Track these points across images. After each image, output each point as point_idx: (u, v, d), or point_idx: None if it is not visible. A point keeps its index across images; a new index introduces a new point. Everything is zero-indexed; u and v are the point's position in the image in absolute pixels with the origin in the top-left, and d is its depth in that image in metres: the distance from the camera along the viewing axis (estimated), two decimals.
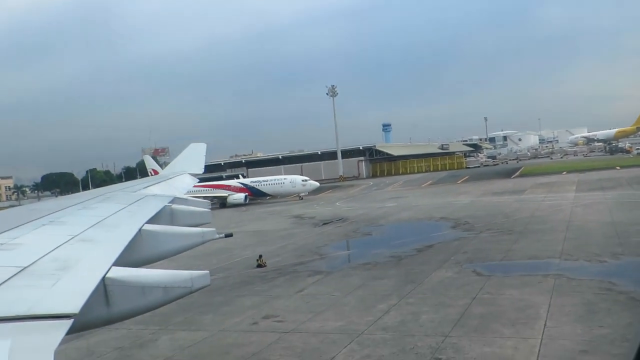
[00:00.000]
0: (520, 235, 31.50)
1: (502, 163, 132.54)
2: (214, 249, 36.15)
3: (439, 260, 26.47)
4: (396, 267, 25.95)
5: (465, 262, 25.54)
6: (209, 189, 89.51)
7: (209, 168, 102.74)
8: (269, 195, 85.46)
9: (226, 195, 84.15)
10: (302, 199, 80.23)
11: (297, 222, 51.79)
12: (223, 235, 9.52)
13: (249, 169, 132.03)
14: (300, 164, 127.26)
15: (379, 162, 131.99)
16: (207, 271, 6.25)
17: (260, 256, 30.36)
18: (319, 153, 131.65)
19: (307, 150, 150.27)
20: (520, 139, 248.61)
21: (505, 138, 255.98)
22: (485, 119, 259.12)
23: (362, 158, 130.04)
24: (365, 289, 22.33)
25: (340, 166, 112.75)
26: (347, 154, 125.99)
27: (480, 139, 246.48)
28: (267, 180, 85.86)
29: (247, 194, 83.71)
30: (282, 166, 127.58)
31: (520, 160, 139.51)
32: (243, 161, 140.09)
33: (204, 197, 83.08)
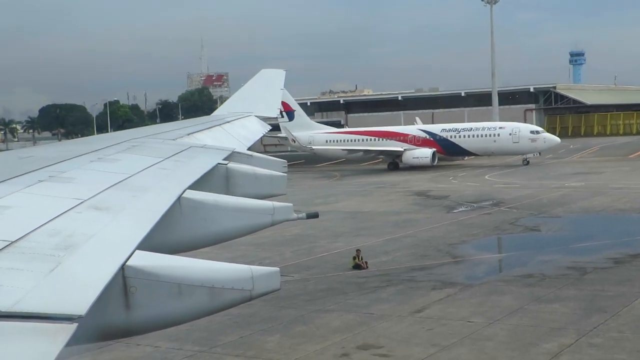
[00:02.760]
0: None
1: None
2: (289, 235, 36.84)
3: None
4: (576, 286, 25.46)
5: None
6: (370, 138, 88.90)
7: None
8: (469, 153, 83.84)
9: (401, 150, 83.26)
10: (528, 163, 78.00)
11: (419, 203, 51.65)
12: (304, 215, 9.64)
13: (349, 115, 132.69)
14: (431, 110, 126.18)
15: (561, 114, 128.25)
16: (277, 268, 6.37)
17: (358, 252, 30.64)
18: (462, 95, 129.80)
19: (443, 89, 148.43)
20: None
21: None
22: None
23: (532, 106, 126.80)
24: (524, 316, 22.11)
25: (497, 117, 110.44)
26: (509, 98, 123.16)
27: None
28: (468, 130, 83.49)
29: (434, 149, 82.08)
30: (401, 112, 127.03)
31: None
32: (341, 101, 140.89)
33: (364, 151, 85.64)
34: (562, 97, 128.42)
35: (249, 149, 13.45)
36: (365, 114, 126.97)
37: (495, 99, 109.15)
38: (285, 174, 11.46)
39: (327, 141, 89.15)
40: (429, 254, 32.55)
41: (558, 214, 43.18)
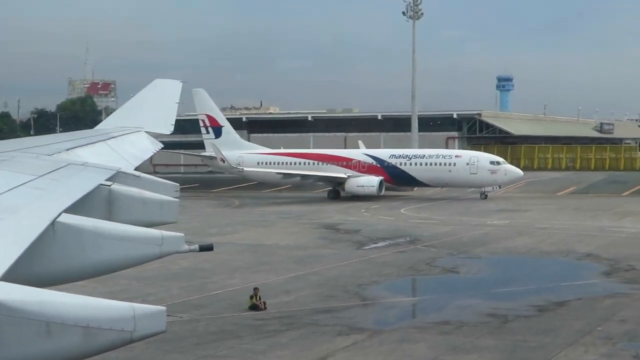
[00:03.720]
0: None
1: None
2: (178, 269, 36.41)
3: (574, 329, 26.29)
4: (496, 335, 25.84)
5: (621, 338, 25.30)
6: (308, 161, 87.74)
7: (180, 126, 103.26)
8: (421, 183, 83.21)
9: (344, 176, 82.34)
10: (486, 197, 78.30)
11: (326, 237, 51.83)
12: (196, 247, 9.60)
13: (252, 134, 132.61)
14: (344, 134, 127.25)
15: (486, 143, 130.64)
16: (163, 307, 6.32)
17: (256, 290, 30.52)
18: (379, 118, 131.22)
19: (358, 110, 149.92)
20: None
21: None
22: None
23: (455, 134, 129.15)
24: None
25: (416, 144, 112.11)
26: (430, 124, 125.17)
27: None
28: (420, 157, 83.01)
29: (382, 177, 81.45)
30: (310, 134, 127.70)
31: None
32: (244, 119, 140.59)
33: (302, 176, 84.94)
34: (488, 125, 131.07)
35: (136, 169, 13.34)
36: (270, 135, 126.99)
37: (414, 124, 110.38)
38: (177, 199, 11.42)
39: (258, 163, 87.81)
40: (336, 294, 32.60)
41: (479, 254, 43.89)
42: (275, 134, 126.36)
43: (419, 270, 38.96)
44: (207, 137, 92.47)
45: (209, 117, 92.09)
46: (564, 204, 74.12)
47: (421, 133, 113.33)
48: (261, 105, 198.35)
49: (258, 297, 29.96)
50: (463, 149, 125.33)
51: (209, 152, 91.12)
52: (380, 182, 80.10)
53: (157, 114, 19.48)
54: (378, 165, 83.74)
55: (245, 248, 46.11)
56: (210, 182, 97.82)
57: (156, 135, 17.86)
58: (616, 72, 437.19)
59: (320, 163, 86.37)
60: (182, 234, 9.03)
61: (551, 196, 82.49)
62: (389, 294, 33.24)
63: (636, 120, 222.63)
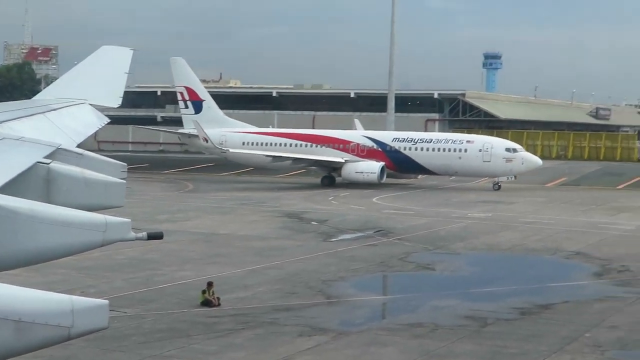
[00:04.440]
0: None
1: None
2: (122, 259, 36.22)
3: (560, 335, 26.47)
4: (474, 339, 25.98)
5: (612, 345, 25.54)
6: (301, 143, 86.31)
7: (130, 99, 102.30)
8: (427, 170, 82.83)
9: (341, 161, 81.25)
10: (499, 188, 78.00)
11: (290, 227, 51.84)
12: (144, 235, 9.59)
13: None
14: (312, 113, 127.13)
15: (469, 127, 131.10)
16: (105, 301, 6.32)
17: (210, 285, 30.47)
18: (352, 96, 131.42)
19: (329, 86, 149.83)
20: None
21: None
22: None
23: (435, 116, 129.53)
24: None
25: (392, 125, 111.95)
26: (408, 104, 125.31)
27: None
28: (427, 141, 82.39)
29: (383, 163, 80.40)
30: (275, 112, 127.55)
31: None
32: None
33: (294, 159, 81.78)
34: (472, 107, 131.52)
35: (79, 145, 13.29)
36: (230, 111, 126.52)
37: (391, 103, 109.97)
38: (124, 181, 11.38)
39: (243, 143, 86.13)
40: (298, 291, 32.63)
41: (457, 250, 44.07)
42: (235, 111, 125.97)
43: (390, 266, 39.02)
44: (186, 113, 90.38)
45: (188, 89, 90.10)
46: (553, 196, 74.48)
47: (398, 114, 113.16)
48: (220, 78, 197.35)
49: (211, 292, 29.92)
50: (443, 132, 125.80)
51: (188, 129, 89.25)
52: (382, 169, 79.07)
53: (104, 85, 19.39)
54: (379, 149, 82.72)
55: (199, 237, 46.01)
56: (162, 163, 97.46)
57: (102, 109, 17.79)
58: (615, 52, 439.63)
59: (314, 145, 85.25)
60: (129, 220, 9.01)
61: (539, 187, 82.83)
62: (356, 292, 33.29)
63: (635, 105, 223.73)
